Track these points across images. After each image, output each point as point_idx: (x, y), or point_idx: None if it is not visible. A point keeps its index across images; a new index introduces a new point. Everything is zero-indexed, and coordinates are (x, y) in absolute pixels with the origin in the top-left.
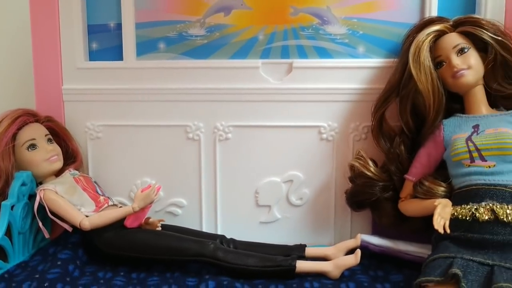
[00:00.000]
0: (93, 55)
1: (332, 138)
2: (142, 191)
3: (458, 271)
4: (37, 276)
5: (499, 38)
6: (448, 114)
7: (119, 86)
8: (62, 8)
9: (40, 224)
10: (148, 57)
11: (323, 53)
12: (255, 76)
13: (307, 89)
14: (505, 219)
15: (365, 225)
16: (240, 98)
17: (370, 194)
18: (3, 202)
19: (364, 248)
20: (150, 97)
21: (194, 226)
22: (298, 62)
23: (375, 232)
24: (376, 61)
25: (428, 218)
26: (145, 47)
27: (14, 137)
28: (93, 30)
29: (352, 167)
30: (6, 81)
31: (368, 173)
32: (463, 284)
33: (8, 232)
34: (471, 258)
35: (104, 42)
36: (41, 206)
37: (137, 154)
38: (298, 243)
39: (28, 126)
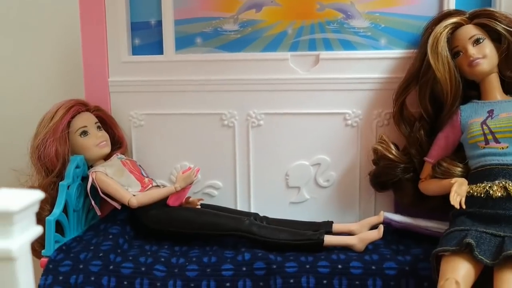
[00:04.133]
0: (136, 50)
1: (356, 124)
2: (183, 173)
3: (471, 241)
4: (92, 248)
5: None
6: (465, 100)
7: (160, 78)
8: (108, 8)
9: (93, 202)
10: (186, 51)
11: (347, 45)
12: (284, 67)
13: (333, 79)
14: None
15: (387, 205)
16: (271, 88)
17: (392, 175)
18: (60, 182)
19: (387, 224)
20: (188, 88)
21: (229, 206)
22: (324, 54)
23: (397, 211)
24: (397, 52)
25: (445, 197)
26: (183, 42)
27: (68, 124)
28: (136, 27)
29: (375, 151)
30: (58, 75)
31: (390, 156)
32: (476, 253)
33: (64, 210)
34: (485, 230)
35: (146, 38)
36: (93, 187)
37: (177, 140)
38: None
39: (80, 114)
